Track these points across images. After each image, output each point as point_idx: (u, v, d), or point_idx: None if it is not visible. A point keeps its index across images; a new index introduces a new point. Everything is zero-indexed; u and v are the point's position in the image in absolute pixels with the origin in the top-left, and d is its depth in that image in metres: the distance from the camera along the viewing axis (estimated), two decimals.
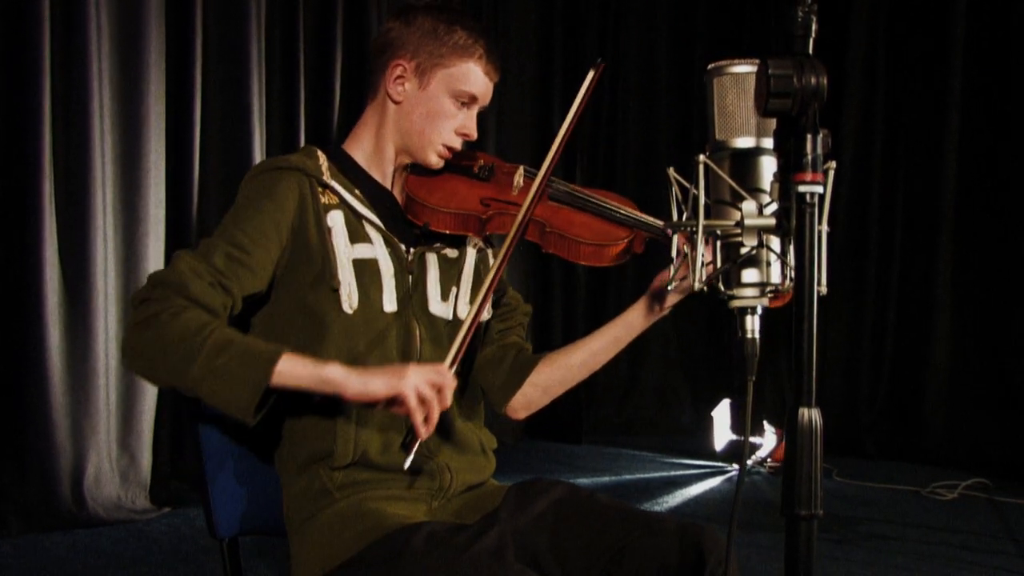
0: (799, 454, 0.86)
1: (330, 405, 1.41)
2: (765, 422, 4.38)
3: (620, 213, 1.51)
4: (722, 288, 1.04)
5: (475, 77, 1.49)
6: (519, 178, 1.55)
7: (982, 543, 3.30)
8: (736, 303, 1.04)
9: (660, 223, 1.50)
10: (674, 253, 1.13)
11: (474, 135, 1.53)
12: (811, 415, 0.88)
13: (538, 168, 1.53)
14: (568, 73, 5.23)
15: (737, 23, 5.41)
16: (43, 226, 3.09)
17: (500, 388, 1.60)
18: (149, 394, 3.41)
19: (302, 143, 3.91)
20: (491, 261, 1.58)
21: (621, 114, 5.57)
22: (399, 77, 1.49)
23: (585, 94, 1.51)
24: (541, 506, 1.46)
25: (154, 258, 3.42)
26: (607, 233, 1.49)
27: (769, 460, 4.32)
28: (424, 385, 1.28)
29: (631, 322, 1.56)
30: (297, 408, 1.43)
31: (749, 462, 4.37)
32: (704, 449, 4.59)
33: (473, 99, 1.51)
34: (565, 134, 1.52)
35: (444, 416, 1.49)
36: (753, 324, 1.03)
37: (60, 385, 3.13)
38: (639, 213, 1.52)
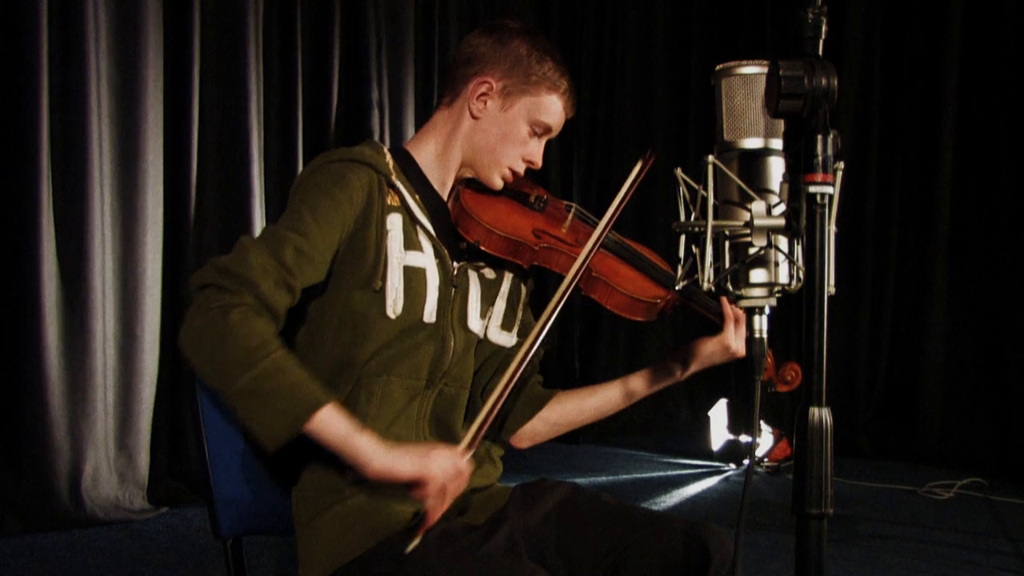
0: (810, 453, 0.87)
1: (342, 403, 1.40)
2: (761, 422, 4.39)
3: (661, 272, 1.55)
4: (730, 288, 1.04)
5: (555, 110, 1.51)
6: (570, 218, 1.57)
7: (978, 542, 3.32)
8: (744, 303, 1.04)
9: (694, 291, 1.51)
10: (681, 253, 1.13)
11: (539, 164, 1.54)
12: (821, 414, 0.89)
13: (588, 210, 1.56)
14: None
15: (734, 23, 5.41)
16: (41, 225, 3.08)
17: (510, 418, 1.61)
18: (147, 394, 3.40)
19: (300, 141, 3.91)
20: (523, 289, 1.59)
21: (618, 114, 5.57)
22: (483, 94, 1.49)
23: (633, 184, 1.50)
24: (547, 506, 1.47)
25: (152, 258, 3.41)
26: (646, 290, 1.52)
27: (766, 460, 4.33)
28: (449, 475, 1.26)
29: (648, 381, 1.59)
30: None
31: (745, 461, 4.38)
32: (701, 449, 4.59)
33: (548, 130, 1.52)
34: (618, 206, 1.50)
35: (452, 431, 1.50)
36: (761, 324, 1.04)
37: (58, 385, 3.13)
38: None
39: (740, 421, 4.48)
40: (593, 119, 5.45)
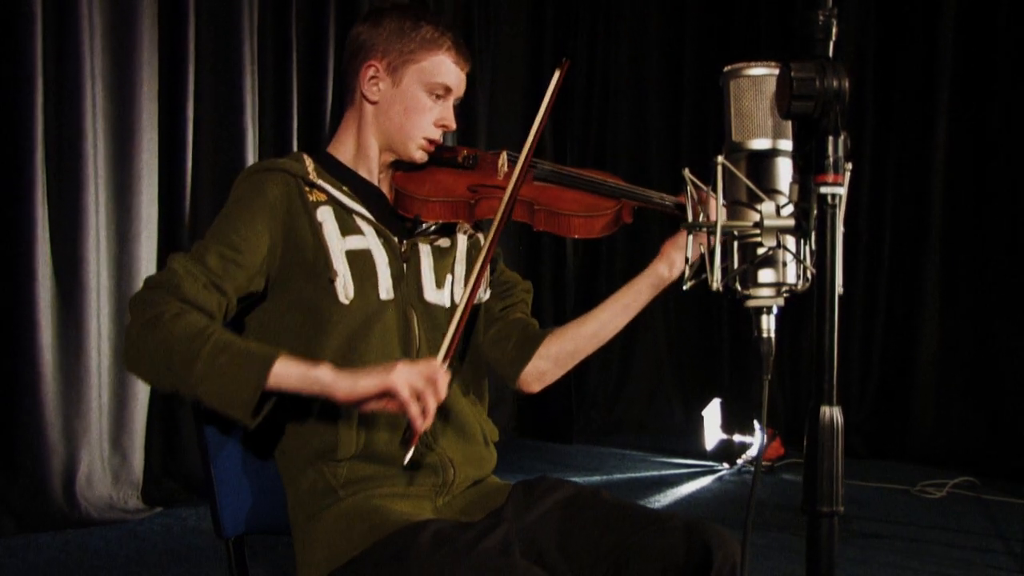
0: (821, 452, 0.87)
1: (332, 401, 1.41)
2: (756, 421, 4.40)
3: (606, 185, 1.58)
4: (738, 288, 1.05)
5: (446, 68, 1.53)
6: (503, 163, 1.59)
7: (970, 540, 3.34)
8: (752, 303, 1.04)
9: (645, 192, 1.57)
10: (688, 253, 1.13)
11: (453, 125, 1.56)
12: (832, 413, 0.89)
13: (520, 152, 1.58)
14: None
15: (728, 22, 5.42)
16: (36, 225, 3.07)
17: (510, 363, 1.62)
18: (141, 393, 3.39)
19: (295, 142, 3.91)
20: (482, 244, 1.60)
21: (612, 115, 5.57)
22: (373, 78, 1.52)
23: (552, 93, 1.55)
24: (547, 504, 1.47)
25: (147, 258, 3.40)
26: (595, 205, 1.56)
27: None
28: (415, 377, 1.28)
29: (639, 289, 1.60)
30: (300, 404, 1.43)
31: (739, 461, 4.39)
32: (694, 448, 4.60)
33: (447, 90, 1.54)
34: (540, 125, 1.56)
35: (447, 403, 1.50)
36: (769, 323, 1.04)
37: (52, 384, 3.12)
38: (624, 184, 1.58)
39: (734, 420, 4.49)
40: (587, 117, 5.45)
